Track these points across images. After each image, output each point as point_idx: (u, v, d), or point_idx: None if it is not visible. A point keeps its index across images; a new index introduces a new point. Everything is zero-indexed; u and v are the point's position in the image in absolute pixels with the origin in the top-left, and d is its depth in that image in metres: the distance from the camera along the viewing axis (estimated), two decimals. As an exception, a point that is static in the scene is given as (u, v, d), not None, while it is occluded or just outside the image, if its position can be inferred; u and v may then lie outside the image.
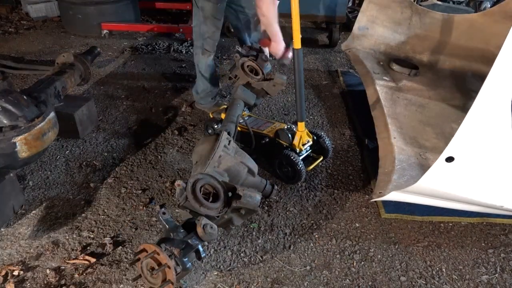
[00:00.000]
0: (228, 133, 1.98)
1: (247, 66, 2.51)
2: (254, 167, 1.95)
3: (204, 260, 1.84)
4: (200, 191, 1.61)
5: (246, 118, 2.49)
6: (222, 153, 1.84)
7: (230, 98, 3.19)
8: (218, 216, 1.66)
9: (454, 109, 2.79)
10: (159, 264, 1.47)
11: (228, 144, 1.90)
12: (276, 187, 2.04)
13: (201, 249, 1.59)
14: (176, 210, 2.10)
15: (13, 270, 1.76)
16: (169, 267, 1.44)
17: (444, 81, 3.15)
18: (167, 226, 1.58)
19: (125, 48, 4.17)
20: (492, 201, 1.83)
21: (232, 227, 1.84)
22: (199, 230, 1.53)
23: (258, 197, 1.70)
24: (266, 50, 2.54)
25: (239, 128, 2.50)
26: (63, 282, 1.73)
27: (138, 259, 1.52)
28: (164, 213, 1.59)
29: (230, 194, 1.68)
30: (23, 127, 1.95)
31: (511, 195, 1.81)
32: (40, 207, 2.12)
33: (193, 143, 2.69)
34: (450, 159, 1.60)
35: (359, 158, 2.62)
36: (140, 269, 1.53)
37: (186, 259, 1.54)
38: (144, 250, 1.51)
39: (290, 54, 2.46)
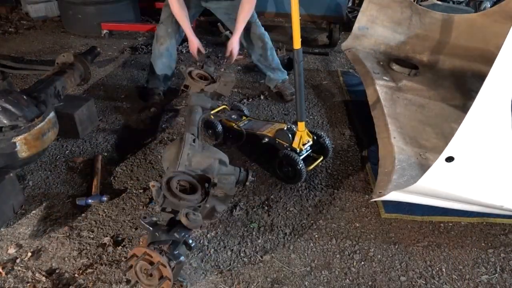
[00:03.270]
0: (192, 134, 2.04)
1: (196, 74, 2.65)
2: (224, 157, 1.99)
3: (204, 260, 1.85)
4: (177, 188, 1.65)
5: (245, 122, 2.51)
6: (190, 151, 1.89)
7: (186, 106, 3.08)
8: (199, 206, 1.68)
9: (454, 109, 2.79)
10: (152, 263, 1.47)
11: (194, 142, 1.96)
12: (251, 172, 2.03)
13: (189, 240, 1.59)
14: (159, 216, 2.08)
15: (14, 270, 1.76)
16: (163, 264, 1.44)
17: (444, 81, 3.15)
18: (150, 229, 1.58)
19: (125, 48, 4.17)
20: (492, 201, 1.83)
21: (217, 214, 1.84)
22: (183, 219, 1.54)
23: (232, 177, 1.83)
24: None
25: (238, 128, 2.52)
26: (63, 282, 1.73)
27: (131, 266, 1.51)
28: (144, 217, 1.60)
29: (207, 185, 1.73)
30: (23, 127, 1.95)
31: (511, 195, 1.81)
32: (40, 207, 2.12)
33: (193, 143, 2.69)
34: (450, 159, 1.60)
35: (359, 158, 2.62)
36: (135, 274, 1.52)
37: (177, 252, 1.54)
38: (134, 255, 1.51)
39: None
